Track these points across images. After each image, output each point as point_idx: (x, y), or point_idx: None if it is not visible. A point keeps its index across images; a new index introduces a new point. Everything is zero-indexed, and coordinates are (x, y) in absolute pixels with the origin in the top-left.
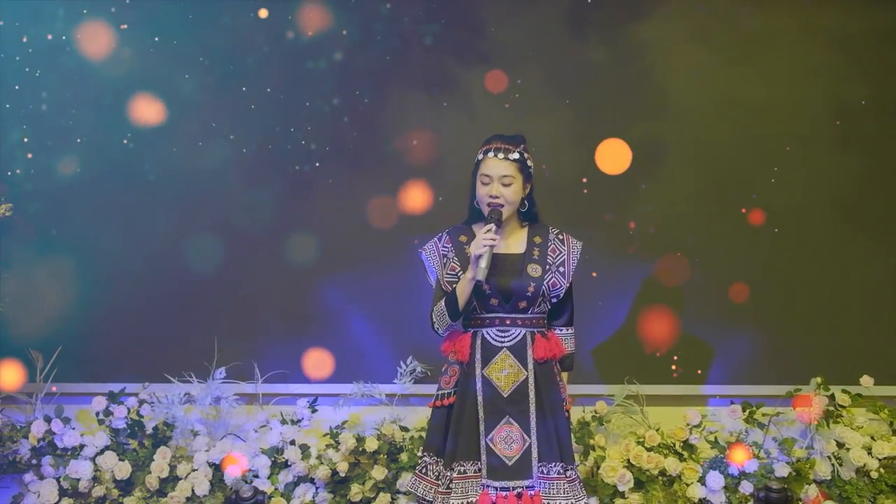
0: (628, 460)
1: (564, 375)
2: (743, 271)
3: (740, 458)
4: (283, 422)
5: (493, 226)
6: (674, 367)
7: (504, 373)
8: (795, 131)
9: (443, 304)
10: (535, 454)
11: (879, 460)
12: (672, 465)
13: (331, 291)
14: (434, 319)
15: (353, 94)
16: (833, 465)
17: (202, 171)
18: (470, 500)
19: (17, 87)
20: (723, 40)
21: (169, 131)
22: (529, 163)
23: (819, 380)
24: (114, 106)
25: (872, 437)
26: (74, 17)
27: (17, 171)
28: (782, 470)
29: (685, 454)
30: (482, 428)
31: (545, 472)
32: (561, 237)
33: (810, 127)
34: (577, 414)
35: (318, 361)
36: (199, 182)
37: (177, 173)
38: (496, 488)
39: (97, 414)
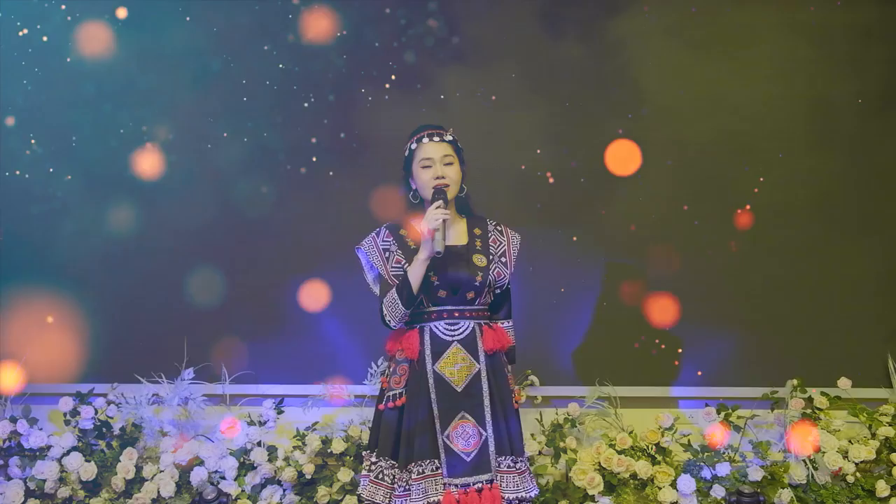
0: (599, 463)
1: (529, 381)
2: (720, 271)
3: (719, 438)
4: (251, 423)
5: (440, 202)
6: (649, 369)
7: (457, 367)
8: (775, 129)
9: (394, 292)
10: (492, 447)
11: (856, 464)
12: (643, 468)
13: (302, 292)
14: (385, 311)
15: (325, 96)
16: (808, 468)
17: (171, 172)
18: (430, 499)
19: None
20: (702, 36)
21: (135, 130)
22: (460, 145)
23: (796, 382)
24: (91, 104)
25: (850, 441)
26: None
27: None
28: (756, 474)
29: (658, 457)
30: (438, 426)
31: (498, 464)
32: (500, 228)
33: (790, 125)
34: (549, 416)
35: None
36: (167, 184)
37: (145, 175)
38: (458, 486)
39: (65, 414)
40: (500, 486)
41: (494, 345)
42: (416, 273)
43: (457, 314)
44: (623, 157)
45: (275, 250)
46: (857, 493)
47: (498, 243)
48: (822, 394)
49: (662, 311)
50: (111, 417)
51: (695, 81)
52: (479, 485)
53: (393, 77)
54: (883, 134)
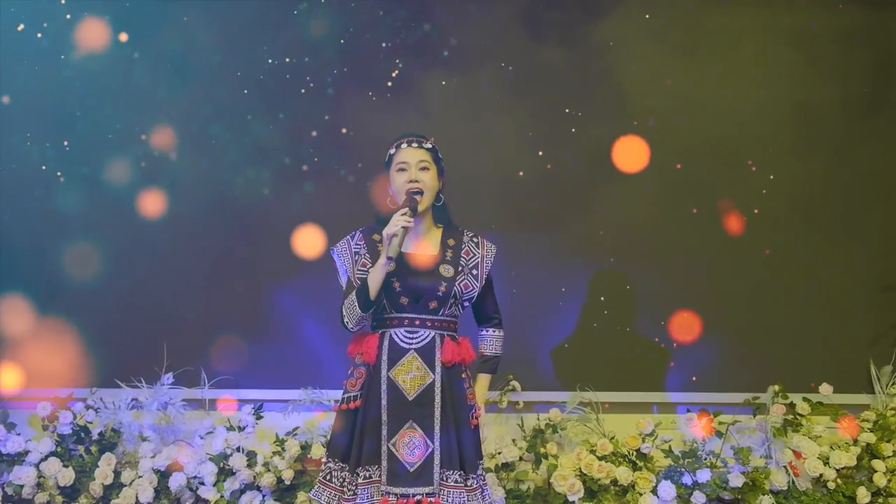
0: (580, 469)
1: (484, 381)
2: (702, 277)
3: (705, 429)
4: (230, 428)
5: (408, 209)
6: (631, 374)
7: (410, 375)
8: (758, 133)
9: (353, 295)
10: (437, 461)
11: (837, 470)
12: (623, 474)
13: (283, 296)
14: (344, 313)
15: (308, 99)
16: (789, 475)
17: (150, 175)
18: None
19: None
20: (684, 40)
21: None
22: (440, 155)
23: (777, 387)
24: (84, 102)
25: (832, 447)
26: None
27: None
28: (736, 480)
29: (639, 463)
30: (384, 432)
31: (444, 479)
32: (476, 240)
33: (773, 129)
34: (530, 421)
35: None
36: (147, 188)
37: (126, 178)
38: (396, 495)
39: (43, 419)
40: (447, 501)
41: (453, 357)
42: (374, 277)
43: (417, 322)
44: (611, 162)
45: (256, 254)
46: (838, 500)
47: (471, 255)
48: (804, 399)
49: (645, 316)
50: (90, 422)
51: (679, 86)
52: (419, 496)
53: (377, 82)
54: (867, 139)
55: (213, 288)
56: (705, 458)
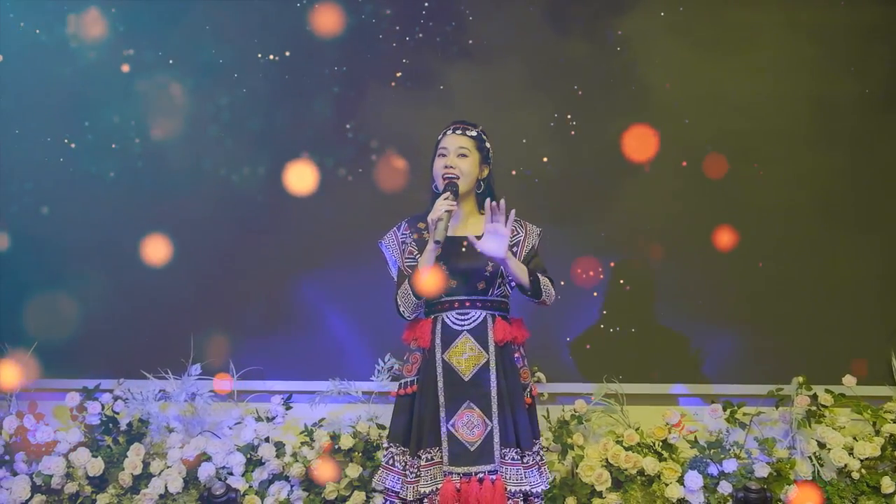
0: (606, 460)
1: (535, 378)
2: (725, 269)
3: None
4: (258, 419)
5: (449, 193)
6: (655, 366)
7: (465, 356)
8: (777, 128)
9: (406, 283)
10: (496, 438)
11: (861, 461)
12: (650, 464)
13: (308, 288)
14: (399, 302)
15: (331, 90)
16: (814, 465)
17: (176, 167)
18: (439, 486)
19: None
20: (705, 35)
21: (142, 126)
22: (488, 144)
23: (801, 379)
24: (91, 103)
25: (855, 438)
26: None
27: None
28: (762, 470)
29: (665, 454)
30: (443, 414)
31: (502, 456)
32: (519, 221)
33: (792, 123)
34: (556, 412)
35: None
36: (174, 179)
37: (151, 170)
38: (459, 475)
39: (71, 410)
40: (505, 477)
41: (505, 336)
42: (424, 261)
43: (468, 304)
44: (630, 154)
45: (282, 246)
46: (863, 490)
47: (515, 233)
48: (827, 391)
49: (667, 308)
50: (118, 413)
51: (698, 80)
52: (481, 475)
53: (398, 74)
54: (885, 133)
55: (238, 280)
56: (729, 449)
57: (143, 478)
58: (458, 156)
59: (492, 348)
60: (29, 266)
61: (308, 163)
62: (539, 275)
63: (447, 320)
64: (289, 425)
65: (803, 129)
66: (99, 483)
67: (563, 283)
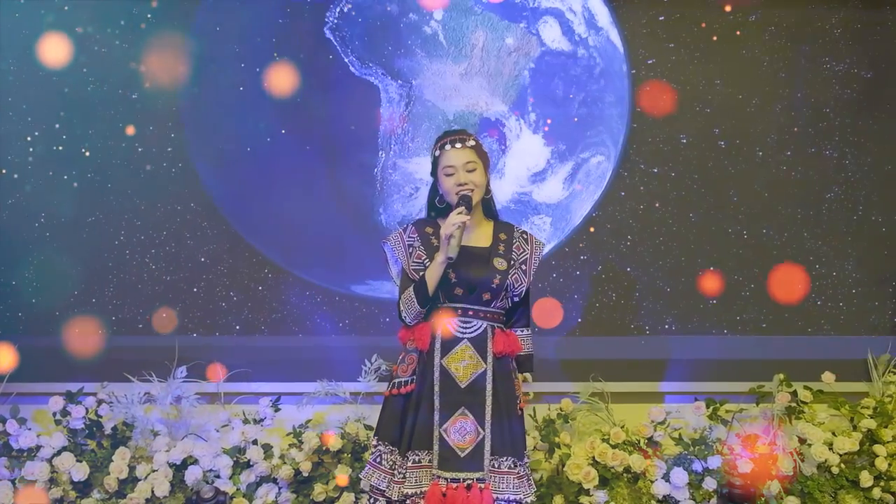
0: (593, 458)
1: (523, 377)
2: (708, 268)
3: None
4: (246, 421)
5: (463, 208)
6: (639, 364)
7: (463, 363)
8: (764, 131)
9: (411, 290)
10: (487, 447)
11: (840, 456)
12: (637, 462)
13: (295, 289)
14: (402, 308)
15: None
16: (795, 460)
17: (161, 168)
18: (423, 489)
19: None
20: (694, 36)
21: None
22: (484, 149)
23: (781, 377)
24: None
25: (834, 433)
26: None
27: None
28: (745, 466)
29: (649, 451)
30: (436, 417)
31: (496, 465)
32: (525, 236)
33: (778, 125)
34: (542, 411)
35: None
36: (156, 180)
37: (135, 170)
38: (447, 479)
39: (54, 414)
40: (499, 486)
41: (504, 348)
42: (433, 274)
43: (471, 313)
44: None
45: (269, 247)
46: (842, 484)
47: (521, 251)
48: (806, 388)
49: (652, 307)
50: (102, 417)
51: (686, 81)
52: (469, 481)
53: (389, 75)
54: (870, 135)
55: (224, 282)
56: (713, 446)
57: (129, 482)
58: (467, 171)
59: (490, 359)
60: (12, 267)
61: (293, 165)
62: (525, 333)
63: (449, 326)
64: (276, 427)
65: (787, 131)
66: (83, 488)
67: (568, 282)
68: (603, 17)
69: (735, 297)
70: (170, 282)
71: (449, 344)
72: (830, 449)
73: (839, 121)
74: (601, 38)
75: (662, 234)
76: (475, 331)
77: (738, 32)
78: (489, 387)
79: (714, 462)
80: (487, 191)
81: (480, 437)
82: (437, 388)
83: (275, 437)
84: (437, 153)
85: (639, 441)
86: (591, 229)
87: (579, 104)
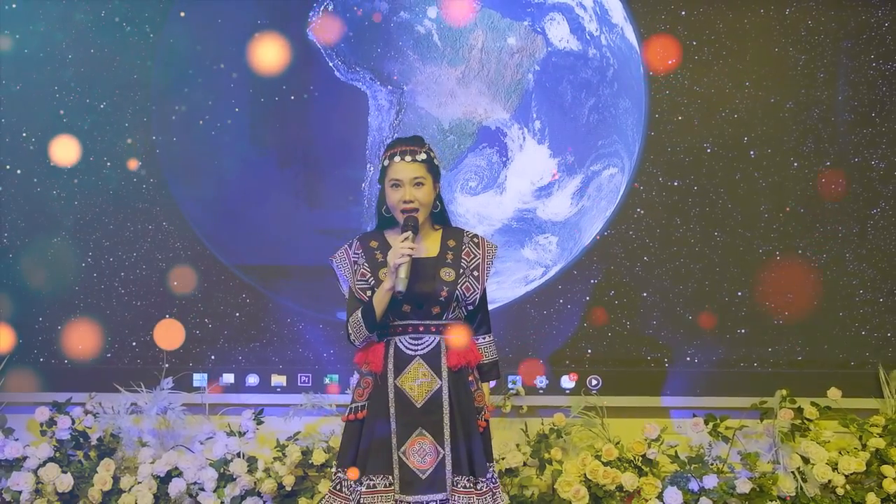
0: (584, 475)
1: (486, 387)
2: (707, 280)
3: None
4: (230, 433)
5: (409, 234)
6: (637, 378)
7: (417, 382)
8: (764, 134)
9: (359, 314)
10: (448, 466)
11: (846, 476)
12: (629, 480)
13: (282, 300)
14: (350, 331)
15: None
16: (797, 481)
17: (141, 176)
18: None
19: None
20: (694, 39)
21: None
22: (436, 162)
23: (784, 392)
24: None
25: (840, 452)
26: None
27: None
28: (744, 486)
29: (645, 469)
30: (394, 441)
31: (454, 484)
32: (476, 240)
33: (779, 130)
34: (534, 426)
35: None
36: (140, 188)
37: (115, 178)
38: (410, 503)
39: (41, 424)
40: None
41: (459, 361)
42: (380, 301)
43: (421, 329)
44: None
45: (256, 256)
46: None
47: (472, 256)
48: (812, 404)
49: (650, 319)
50: (89, 427)
51: (711, 83)
52: (434, 503)
53: (379, 81)
54: (872, 141)
55: (212, 292)
56: (712, 464)
57: (114, 493)
58: (413, 185)
59: (445, 374)
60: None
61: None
62: (487, 340)
63: (400, 345)
64: (262, 439)
65: (827, 139)
66: (69, 499)
67: (564, 294)
68: (617, 12)
69: (766, 326)
70: (157, 292)
71: (401, 363)
72: (835, 469)
73: (886, 126)
74: (615, 36)
75: (683, 254)
76: (427, 346)
77: (770, 28)
78: (446, 404)
79: (710, 481)
80: (436, 205)
81: (440, 456)
82: (392, 410)
83: (265, 450)
84: (386, 163)
85: (633, 458)
86: (603, 249)
87: (590, 110)
